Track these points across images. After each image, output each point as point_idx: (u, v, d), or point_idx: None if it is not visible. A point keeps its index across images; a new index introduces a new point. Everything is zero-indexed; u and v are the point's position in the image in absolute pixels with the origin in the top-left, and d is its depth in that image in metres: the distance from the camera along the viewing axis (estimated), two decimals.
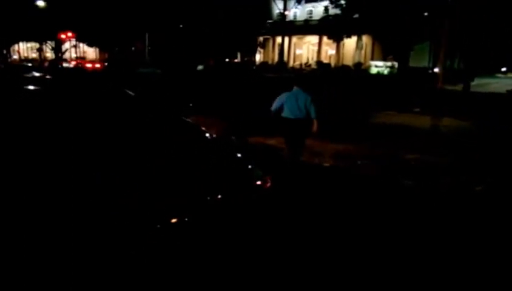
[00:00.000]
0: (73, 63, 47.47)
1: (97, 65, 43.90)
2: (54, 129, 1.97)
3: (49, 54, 57.22)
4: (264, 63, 53.60)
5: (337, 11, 36.99)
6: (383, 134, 10.45)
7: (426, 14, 29.65)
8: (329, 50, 56.70)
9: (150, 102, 2.63)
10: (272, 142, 8.21)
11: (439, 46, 24.62)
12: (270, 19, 55.28)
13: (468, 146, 9.04)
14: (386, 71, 39.95)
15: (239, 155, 2.43)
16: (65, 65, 44.58)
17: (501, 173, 6.90)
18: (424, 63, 39.95)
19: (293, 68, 49.52)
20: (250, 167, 2.23)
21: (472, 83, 24.32)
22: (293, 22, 55.75)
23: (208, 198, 1.87)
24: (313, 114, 6.65)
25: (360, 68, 44.94)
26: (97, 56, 62.90)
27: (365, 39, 51.33)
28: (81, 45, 57.97)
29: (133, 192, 1.75)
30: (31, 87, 2.36)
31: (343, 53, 54.55)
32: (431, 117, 13.31)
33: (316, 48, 57.91)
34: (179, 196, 1.82)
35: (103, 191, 1.71)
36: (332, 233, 1.94)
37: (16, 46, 67.71)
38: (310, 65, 52.84)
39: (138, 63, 41.91)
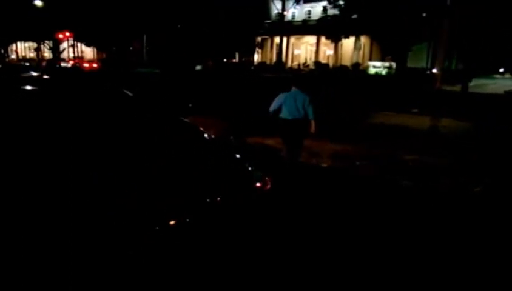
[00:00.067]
0: (71, 63, 47.38)
1: (95, 65, 43.86)
2: (50, 129, 1.95)
3: (47, 54, 57.13)
4: (262, 64, 53.57)
5: (336, 11, 36.97)
6: (381, 134, 10.45)
7: (424, 14, 29.67)
8: (327, 50, 56.72)
9: (149, 102, 2.62)
10: (270, 142, 8.20)
11: (437, 47, 24.65)
12: (269, 19, 55.27)
13: (466, 147, 9.04)
14: (384, 72, 40.00)
15: (238, 156, 2.41)
16: (63, 64, 44.50)
17: (500, 174, 6.91)
18: (422, 63, 40.00)
19: (291, 68, 49.49)
20: (250, 168, 2.21)
21: (470, 84, 24.35)
22: (291, 22, 55.77)
23: (208, 200, 1.85)
24: (311, 115, 6.66)
25: (358, 69, 44.98)
26: (95, 56, 62.82)
27: (363, 39, 51.37)
28: (79, 44, 57.84)
29: (130, 193, 1.74)
30: (28, 87, 2.34)
31: (341, 54, 54.58)
32: (429, 118, 13.30)
33: (314, 48, 57.93)
34: (178, 197, 1.80)
35: (100, 192, 1.70)
36: (332, 235, 1.93)
37: (13, 46, 67.61)
38: (308, 66, 52.82)
39: (135, 63, 41.88)
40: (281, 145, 7.15)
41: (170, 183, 1.89)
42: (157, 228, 1.61)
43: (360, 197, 4.44)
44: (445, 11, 22.10)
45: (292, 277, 1.58)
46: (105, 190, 1.72)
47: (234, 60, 49.84)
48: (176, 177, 1.95)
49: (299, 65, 54.54)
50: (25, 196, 1.58)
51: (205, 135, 2.53)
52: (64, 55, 54.19)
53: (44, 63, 43.69)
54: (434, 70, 26.55)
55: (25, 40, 60.57)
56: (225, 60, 44.66)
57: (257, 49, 54.63)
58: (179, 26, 35.73)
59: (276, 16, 52.43)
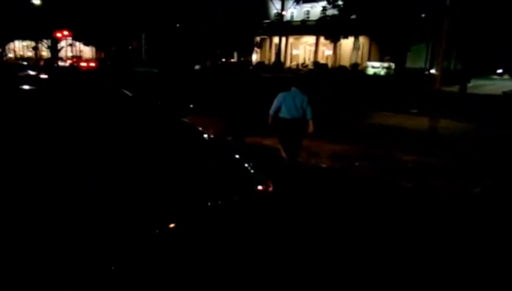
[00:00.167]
0: (69, 62, 47.31)
1: (92, 64, 43.76)
2: (48, 129, 1.93)
3: (45, 53, 57.02)
4: (260, 63, 53.59)
5: (335, 11, 37.00)
6: (380, 135, 10.45)
7: (423, 15, 29.71)
8: (326, 50, 56.76)
9: (148, 102, 2.59)
10: (269, 142, 8.19)
11: (436, 47, 24.68)
12: (268, 19, 55.24)
13: (465, 148, 9.05)
14: (382, 72, 40.06)
15: (239, 158, 2.38)
16: (61, 64, 44.45)
17: (499, 175, 6.91)
18: (421, 64, 40.11)
19: (290, 68, 49.52)
20: (252, 171, 2.18)
21: (468, 85, 24.40)
22: (290, 22, 55.77)
23: (208, 202, 1.83)
24: (309, 115, 6.73)
25: (356, 69, 45.05)
26: (94, 55, 62.73)
27: (362, 39, 51.43)
28: (77, 44, 57.75)
29: (127, 194, 1.71)
30: (26, 87, 2.32)
31: (339, 54, 54.62)
32: (428, 119, 13.32)
33: (313, 48, 57.95)
34: (177, 198, 1.78)
35: (97, 192, 1.68)
36: (335, 239, 1.91)
37: (11, 45, 67.46)
38: (307, 66, 52.86)
39: (134, 62, 41.83)
40: (279, 145, 7.14)
41: (169, 184, 1.87)
42: (155, 229, 1.59)
43: (360, 199, 4.43)
44: (444, 12, 22.13)
45: (296, 280, 1.56)
46: (102, 191, 1.70)
47: (233, 60, 49.82)
48: (175, 179, 1.93)
49: (297, 65, 54.57)
50: (21, 198, 1.56)
51: (205, 136, 2.50)
52: (62, 54, 54.11)
53: (42, 63, 43.68)
54: (433, 71, 26.57)
55: (23, 39, 60.39)
56: (223, 60, 44.64)
57: (256, 49, 54.58)
58: (178, 25, 35.68)
59: (275, 16, 52.44)
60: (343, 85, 21.85)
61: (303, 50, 61.09)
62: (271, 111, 6.86)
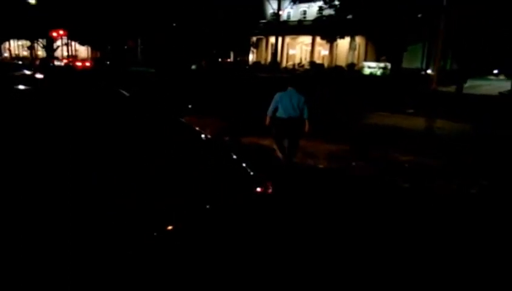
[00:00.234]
0: (64, 61, 47.18)
1: (87, 64, 43.66)
2: (43, 130, 1.91)
3: (40, 52, 56.81)
4: (257, 63, 53.64)
5: (331, 11, 37.06)
6: (376, 135, 10.47)
7: (419, 15, 29.80)
8: (322, 50, 56.83)
9: (145, 102, 2.57)
10: (265, 142, 8.18)
11: (433, 47, 24.77)
12: (264, 19, 55.26)
13: (461, 148, 9.07)
14: (379, 72, 40.14)
15: (238, 158, 2.36)
16: (56, 63, 44.33)
17: (495, 176, 6.92)
18: (417, 64, 40.21)
19: (286, 68, 49.59)
20: (251, 172, 2.17)
21: (465, 85, 24.51)
22: (286, 22, 55.80)
23: (206, 204, 1.81)
24: (305, 115, 6.79)
25: (353, 69, 45.13)
26: (89, 55, 62.57)
27: (358, 39, 51.51)
28: (73, 43, 57.57)
29: (124, 195, 1.70)
30: (21, 87, 2.29)
31: (336, 54, 54.72)
32: (424, 119, 13.35)
33: (309, 48, 58.01)
34: (176, 199, 1.76)
35: (94, 193, 1.66)
36: (335, 240, 1.90)
37: (6, 44, 67.20)
38: (303, 66, 52.93)
39: (129, 62, 41.76)
40: (274, 145, 7.15)
41: (167, 185, 1.85)
42: (153, 230, 1.57)
43: (357, 199, 4.44)
44: (441, 12, 22.20)
45: (297, 282, 1.55)
46: (99, 192, 1.68)
47: (229, 60, 49.80)
48: (173, 180, 1.91)
49: (294, 65, 54.64)
50: (17, 198, 1.54)
51: (203, 136, 2.48)
52: (58, 54, 53.93)
53: (37, 62, 43.52)
54: (429, 71, 26.66)
55: (19, 38, 60.16)
56: (220, 59, 44.60)
57: (252, 49, 54.61)
58: (174, 25, 35.59)
59: (271, 16, 52.44)
60: (339, 85, 21.90)
61: (299, 50, 61.16)
62: (269, 112, 6.90)
